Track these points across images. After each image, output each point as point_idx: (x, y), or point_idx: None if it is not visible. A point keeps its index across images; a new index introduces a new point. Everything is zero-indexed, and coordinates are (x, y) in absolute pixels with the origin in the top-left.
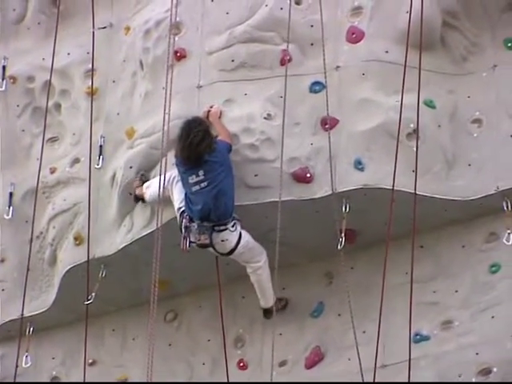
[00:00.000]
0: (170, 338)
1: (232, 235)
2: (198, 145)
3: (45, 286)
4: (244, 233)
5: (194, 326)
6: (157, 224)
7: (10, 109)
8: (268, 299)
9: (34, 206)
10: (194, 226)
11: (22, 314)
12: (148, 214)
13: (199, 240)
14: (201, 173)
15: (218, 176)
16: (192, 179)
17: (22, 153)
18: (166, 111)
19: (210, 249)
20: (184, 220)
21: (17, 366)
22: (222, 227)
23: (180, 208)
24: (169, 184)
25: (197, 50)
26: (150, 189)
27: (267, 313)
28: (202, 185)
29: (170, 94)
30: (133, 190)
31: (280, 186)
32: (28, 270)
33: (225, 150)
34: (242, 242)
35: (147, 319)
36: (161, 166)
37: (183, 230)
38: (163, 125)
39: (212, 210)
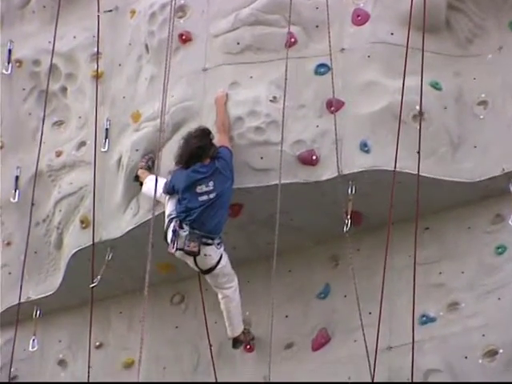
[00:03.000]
0: (176, 320)
1: (216, 252)
2: (199, 142)
3: (51, 269)
4: (225, 255)
5: (201, 308)
6: (152, 213)
7: (16, 92)
8: (235, 327)
9: (33, 189)
10: (185, 232)
11: (20, 299)
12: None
13: (188, 247)
14: (211, 184)
15: (225, 190)
16: (201, 189)
17: (28, 136)
18: (167, 95)
19: (190, 262)
20: (173, 224)
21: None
22: (209, 241)
23: (170, 215)
24: (164, 189)
25: (202, 33)
26: (150, 184)
27: (236, 343)
28: (211, 196)
29: (167, 80)
30: (136, 170)
31: (280, 169)
32: (25, 255)
33: (230, 159)
34: (222, 262)
35: (154, 302)
36: (158, 153)
37: (171, 234)
38: (161, 112)
39: (209, 222)
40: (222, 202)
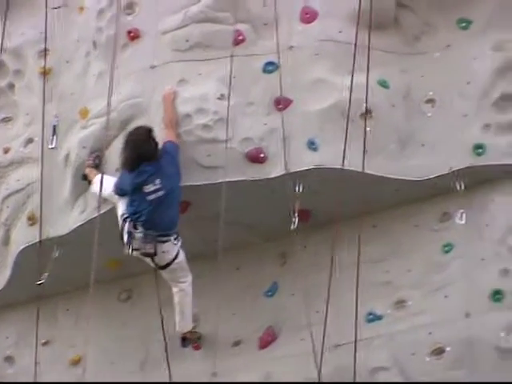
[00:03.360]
0: (123, 317)
1: (173, 248)
2: (143, 143)
3: None
4: (181, 249)
5: (148, 305)
6: (98, 210)
7: None
8: (187, 323)
9: None
10: (140, 234)
11: None
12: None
13: (145, 249)
14: (157, 181)
15: (174, 185)
16: (148, 188)
17: None
18: (115, 92)
19: (147, 260)
20: (127, 225)
21: None
22: (165, 238)
23: (123, 215)
24: (114, 192)
25: (151, 30)
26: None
27: (184, 341)
28: (160, 193)
29: (113, 77)
30: (84, 168)
31: (225, 167)
32: None
33: (176, 154)
34: (180, 257)
35: (101, 299)
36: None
37: (126, 236)
38: (108, 108)
39: (162, 220)
40: (171, 198)
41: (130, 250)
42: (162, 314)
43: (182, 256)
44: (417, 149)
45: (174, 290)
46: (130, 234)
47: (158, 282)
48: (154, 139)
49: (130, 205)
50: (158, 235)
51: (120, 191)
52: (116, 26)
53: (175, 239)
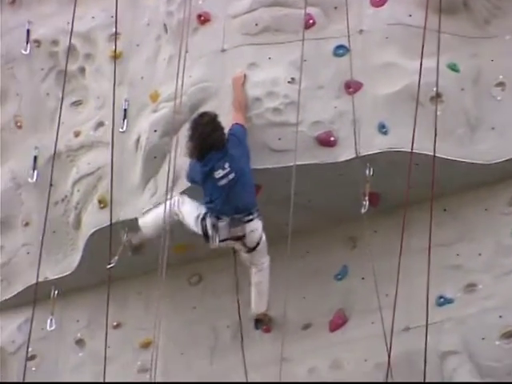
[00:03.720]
0: (194, 301)
1: (258, 224)
2: (211, 132)
3: (69, 249)
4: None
5: (219, 289)
6: (165, 196)
7: (35, 73)
8: (264, 303)
9: (52, 169)
10: (223, 222)
11: (37, 278)
12: (172, 178)
13: (235, 233)
14: (226, 165)
15: (243, 165)
16: (218, 174)
17: (47, 117)
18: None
19: (237, 245)
20: (209, 220)
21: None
22: (250, 217)
23: (199, 216)
24: (175, 207)
25: (221, 14)
26: (150, 219)
27: (258, 322)
28: (230, 176)
29: (184, 60)
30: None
31: (295, 150)
32: (43, 235)
33: (243, 136)
34: (263, 235)
35: (172, 282)
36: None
37: (210, 230)
38: (175, 92)
39: (242, 201)
40: (244, 180)
41: (217, 243)
42: (237, 298)
43: (263, 234)
44: (486, 132)
45: (254, 270)
46: (214, 226)
47: (222, 267)
48: (220, 126)
49: (204, 195)
50: (243, 216)
51: (191, 180)
52: (186, 10)
53: (258, 216)
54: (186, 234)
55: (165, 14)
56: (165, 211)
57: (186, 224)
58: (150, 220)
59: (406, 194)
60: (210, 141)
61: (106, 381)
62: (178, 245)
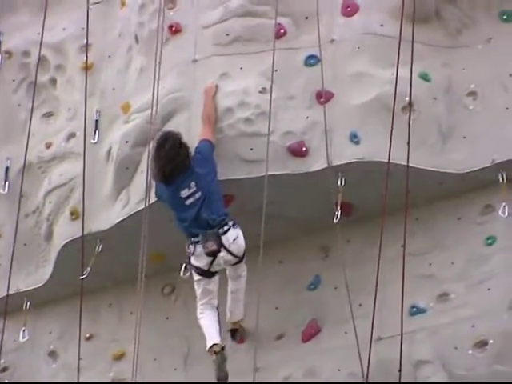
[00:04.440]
0: (167, 311)
1: (237, 231)
2: (174, 156)
3: (41, 260)
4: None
5: (192, 299)
6: (145, 203)
7: (6, 84)
8: (240, 311)
9: (22, 181)
10: (199, 243)
11: (8, 290)
12: (144, 188)
13: (207, 248)
14: (192, 184)
15: (209, 183)
16: (185, 193)
17: (18, 128)
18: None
19: (223, 261)
20: (190, 251)
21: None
22: (225, 228)
23: (188, 247)
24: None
25: (192, 24)
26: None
27: (234, 333)
28: (197, 195)
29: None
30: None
31: (267, 160)
32: (14, 247)
33: (209, 152)
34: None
35: (144, 293)
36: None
37: (195, 261)
38: (152, 103)
39: (211, 217)
40: (211, 196)
41: (189, 271)
42: None
43: (242, 239)
44: (459, 142)
45: (233, 274)
46: (189, 253)
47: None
48: (184, 148)
49: (175, 214)
50: (217, 229)
51: (158, 197)
52: (158, 21)
53: (233, 224)
54: (160, 243)
55: (136, 25)
56: (145, 216)
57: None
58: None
59: (384, 203)
60: (173, 165)
61: None
62: (154, 254)
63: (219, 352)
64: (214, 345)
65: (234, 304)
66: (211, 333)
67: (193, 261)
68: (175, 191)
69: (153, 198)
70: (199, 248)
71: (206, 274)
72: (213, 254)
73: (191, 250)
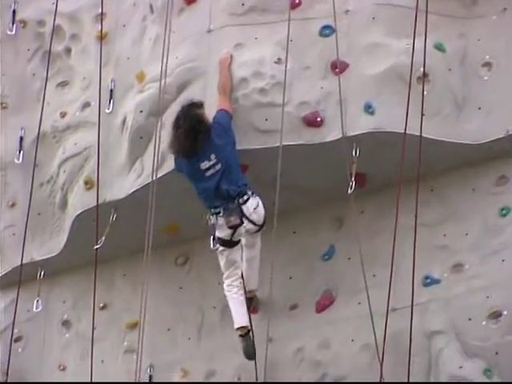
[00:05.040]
0: (180, 281)
1: (257, 200)
2: (195, 133)
3: (55, 230)
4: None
5: (205, 269)
6: (152, 176)
7: (21, 53)
8: (256, 280)
9: (36, 150)
10: (221, 215)
11: (22, 260)
12: (159, 159)
13: (230, 222)
14: (213, 156)
15: (228, 154)
16: (205, 165)
17: (33, 97)
18: (171, 56)
19: (243, 229)
20: (212, 223)
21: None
22: (244, 197)
23: (209, 217)
24: None
25: None
26: None
27: (250, 300)
28: (217, 167)
29: (169, 41)
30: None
31: (281, 130)
32: (28, 216)
33: (228, 123)
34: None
35: (158, 263)
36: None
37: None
38: (161, 73)
39: (231, 187)
40: (230, 167)
41: (214, 242)
42: (217, 279)
43: (262, 209)
44: (473, 112)
45: (248, 243)
46: (213, 226)
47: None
48: (206, 120)
49: (194, 186)
50: (238, 199)
51: (177, 169)
52: None
53: (253, 194)
54: (174, 214)
55: None
56: (152, 186)
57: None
58: None
59: (399, 173)
60: (195, 141)
61: (93, 361)
62: (169, 224)
63: (245, 335)
64: (240, 327)
65: (249, 272)
66: (237, 315)
67: (215, 233)
68: (195, 163)
69: (165, 170)
70: (220, 220)
71: (229, 244)
72: (235, 227)
73: (213, 222)
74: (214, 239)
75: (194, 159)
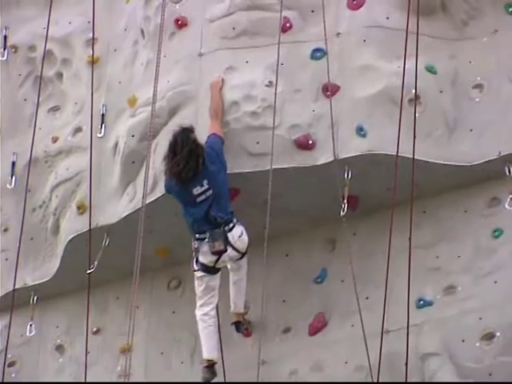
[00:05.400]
0: (173, 305)
1: (241, 228)
2: (190, 160)
3: (48, 254)
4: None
5: None
6: (142, 202)
7: (12, 78)
8: (242, 303)
9: (28, 175)
10: (205, 240)
11: (14, 285)
12: (151, 182)
13: (214, 248)
14: (205, 182)
15: (220, 180)
16: (197, 190)
17: (25, 122)
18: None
19: (227, 257)
20: (195, 247)
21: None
22: (230, 225)
23: (194, 244)
24: None
25: (198, 18)
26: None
27: (238, 325)
28: (208, 193)
29: (159, 65)
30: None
31: (272, 153)
32: (20, 241)
33: (220, 148)
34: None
35: (151, 287)
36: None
37: (193, 253)
38: (153, 96)
39: (219, 214)
40: (221, 194)
41: (197, 266)
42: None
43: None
44: (465, 134)
45: (234, 267)
46: (195, 250)
47: None
48: (200, 146)
49: (183, 209)
50: (224, 226)
51: (167, 191)
52: (163, 14)
53: (237, 221)
54: (166, 237)
55: (142, 19)
56: (141, 216)
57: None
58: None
59: (393, 195)
60: (189, 167)
61: None
62: (160, 248)
63: (210, 367)
64: (208, 360)
65: (236, 295)
66: (209, 347)
67: (198, 258)
68: (187, 188)
69: (157, 194)
70: (205, 246)
71: (211, 270)
72: (219, 254)
73: (197, 247)
74: (196, 262)
75: (187, 184)
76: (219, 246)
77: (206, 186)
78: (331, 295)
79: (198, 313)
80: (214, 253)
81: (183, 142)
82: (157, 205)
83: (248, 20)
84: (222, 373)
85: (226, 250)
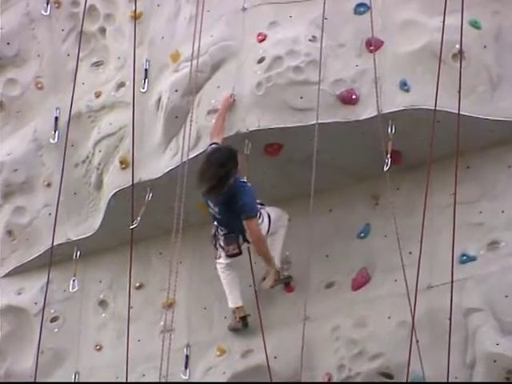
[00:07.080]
0: None
1: (262, 225)
2: (214, 176)
3: (91, 210)
4: (264, 212)
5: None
6: (181, 158)
7: (55, 33)
8: (278, 259)
9: (67, 130)
10: (221, 236)
11: (53, 241)
12: (194, 137)
13: (228, 251)
14: (216, 208)
15: (233, 219)
16: (211, 203)
17: (68, 77)
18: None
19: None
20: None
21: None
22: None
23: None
24: None
25: None
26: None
27: (245, 318)
28: (221, 215)
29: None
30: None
31: (317, 108)
32: (59, 195)
33: (250, 203)
34: (270, 221)
35: (194, 242)
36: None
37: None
38: (192, 51)
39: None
40: (234, 222)
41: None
42: (253, 259)
43: (268, 217)
44: (508, 89)
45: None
46: (214, 236)
47: None
48: (226, 171)
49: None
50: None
51: None
52: None
53: (259, 218)
54: None
55: None
56: (183, 167)
57: None
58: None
59: (430, 151)
60: (208, 185)
61: (129, 341)
62: (203, 203)
63: (245, 317)
64: (239, 308)
65: (272, 252)
66: (235, 294)
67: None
68: (207, 201)
69: (200, 149)
70: (221, 239)
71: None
72: (235, 256)
73: (216, 233)
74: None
75: (206, 197)
76: (233, 249)
77: (216, 210)
78: (374, 250)
79: (220, 270)
80: (228, 255)
81: (210, 157)
82: (199, 160)
83: None
84: (259, 329)
85: (240, 253)
